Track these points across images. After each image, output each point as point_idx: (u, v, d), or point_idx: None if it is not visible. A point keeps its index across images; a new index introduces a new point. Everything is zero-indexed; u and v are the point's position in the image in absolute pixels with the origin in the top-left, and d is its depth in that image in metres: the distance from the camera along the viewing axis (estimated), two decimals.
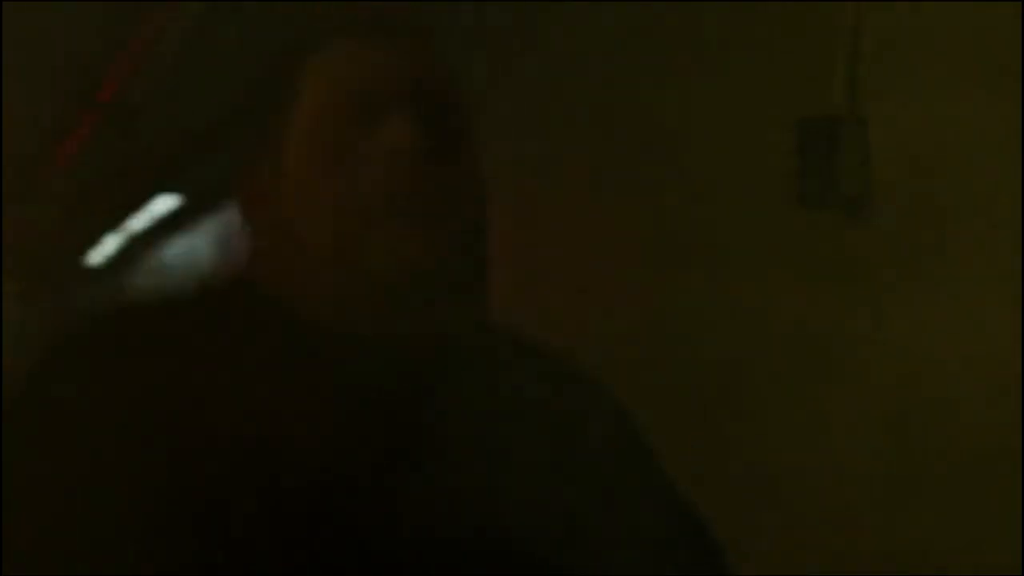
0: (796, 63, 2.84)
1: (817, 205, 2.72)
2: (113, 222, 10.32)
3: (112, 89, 5.45)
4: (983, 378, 2.35)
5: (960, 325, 2.41)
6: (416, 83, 1.11)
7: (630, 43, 3.53)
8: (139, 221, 9.78)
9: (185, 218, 9.07)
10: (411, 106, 1.10)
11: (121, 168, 7.78)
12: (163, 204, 8.88)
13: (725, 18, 3.10)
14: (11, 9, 4.32)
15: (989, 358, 2.34)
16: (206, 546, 0.97)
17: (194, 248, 9.13)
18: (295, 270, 1.11)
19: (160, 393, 1.02)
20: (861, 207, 2.64)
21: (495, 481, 1.06)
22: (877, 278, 2.62)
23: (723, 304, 3.12)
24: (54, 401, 1.04)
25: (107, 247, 11.62)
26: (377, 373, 1.08)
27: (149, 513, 0.98)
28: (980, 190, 2.38)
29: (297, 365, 1.07)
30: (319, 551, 0.99)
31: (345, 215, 1.07)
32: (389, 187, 1.07)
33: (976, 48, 2.38)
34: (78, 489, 0.99)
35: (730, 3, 3.07)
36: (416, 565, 1.01)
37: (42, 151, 7.36)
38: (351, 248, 1.07)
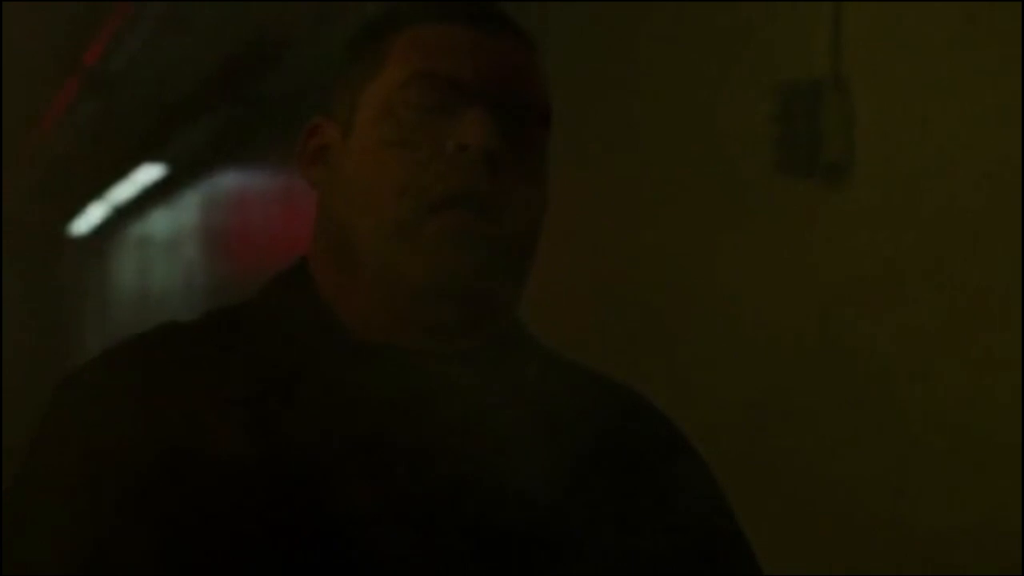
0: (779, 28, 2.83)
1: (799, 172, 2.71)
2: (97, 192, 10.29)
3: (96, 53, 5.43)
4: (973, 352, 2.36)
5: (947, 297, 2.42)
6: (504, 81, 1.08)
7: (611, 10, 3.51)
8: (123, 191, 9.75)
9: (169, 188, 9.04)
10: (493, 104, 1.07)
11: (105, 137, 7.75)
12: (147, 173, 8.85)
13: None
14: None
15: (978, 330, 2.35)
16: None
17: (178, 218, 9.11)
18: (343, 263, 1.10)
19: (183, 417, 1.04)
20: (844, 173, 2.63)
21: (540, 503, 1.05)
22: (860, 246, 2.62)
23: (703, 270, 3.11)
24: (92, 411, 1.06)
25: (91, 217, 11.58)
26: (411, 389, 1.07)
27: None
28: (964, 155, 2.38)
29: (334, 383, 1.07)
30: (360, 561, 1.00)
31: (403, 201, 1.05)
32: (450, 184, 1.05)
33: (958, 12, 2.37)
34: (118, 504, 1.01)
35: None
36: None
37: (27, 117, 7.32)
38: (402, 238, 1.05)
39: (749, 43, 2.94)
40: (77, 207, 11.48)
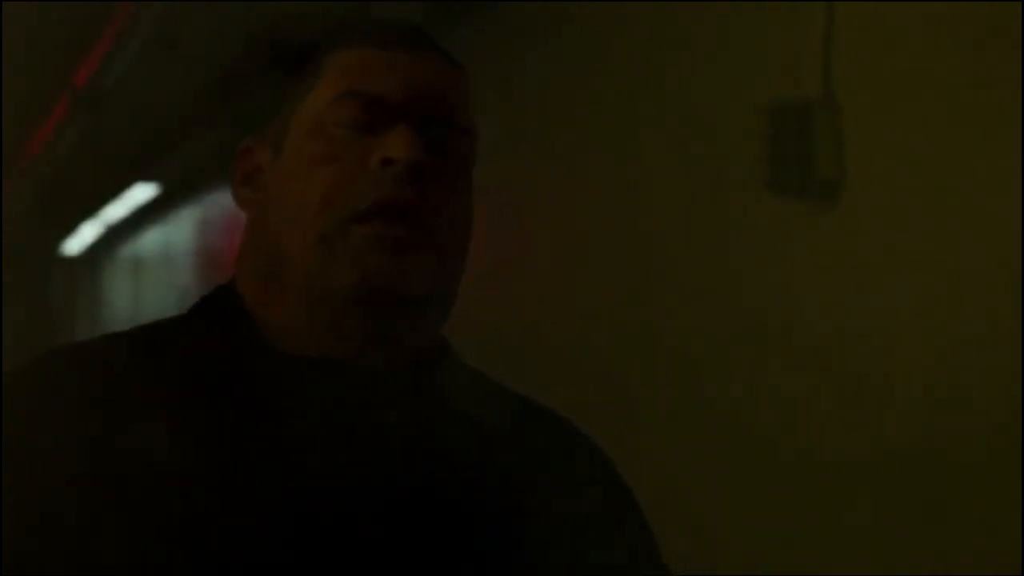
0: (769, 47, 2.83)
1: (791, 192, 2.71)
2: (90, 211, 10.28)
3: (87, 73, 5.43)
4: (966, 367, 2.34)
5: (936, 314, 2.41)
6: (430, 100, 1.12)
7: (603, 29, 3.52)
8: (116, 210, 9.74)
9: (162, 207, 9.04)
10: (418, 121, 1.11)
11: (97, 157, 7.74)
12: (141, 193, 8.85)
13: (698, 2, 3.10)
14: None
15: (970, 345, 2.34)
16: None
17: (171, 238, 9.10)
18: (270, 277, 1.12)
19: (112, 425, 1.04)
20: (834, 192, 2.63)
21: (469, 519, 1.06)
22: (852, 265, 2.61)
23: (693, 288, 3.11)
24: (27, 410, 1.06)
25: (84, 236, 11.58)
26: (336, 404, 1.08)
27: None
28: (956, 173, 2.37)
29: (258, 396, 1.08)
30: None
31: (329, 212, 1.08)
32: (375, 196, 1.08)
33: (948, 30, 2.37)
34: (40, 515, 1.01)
35: None
36: None
37: (17, 137, 7.32)
38: (327, 247, 1.08)
39: (740, 62, 2.93)
40: (69, 227, 11.47)
